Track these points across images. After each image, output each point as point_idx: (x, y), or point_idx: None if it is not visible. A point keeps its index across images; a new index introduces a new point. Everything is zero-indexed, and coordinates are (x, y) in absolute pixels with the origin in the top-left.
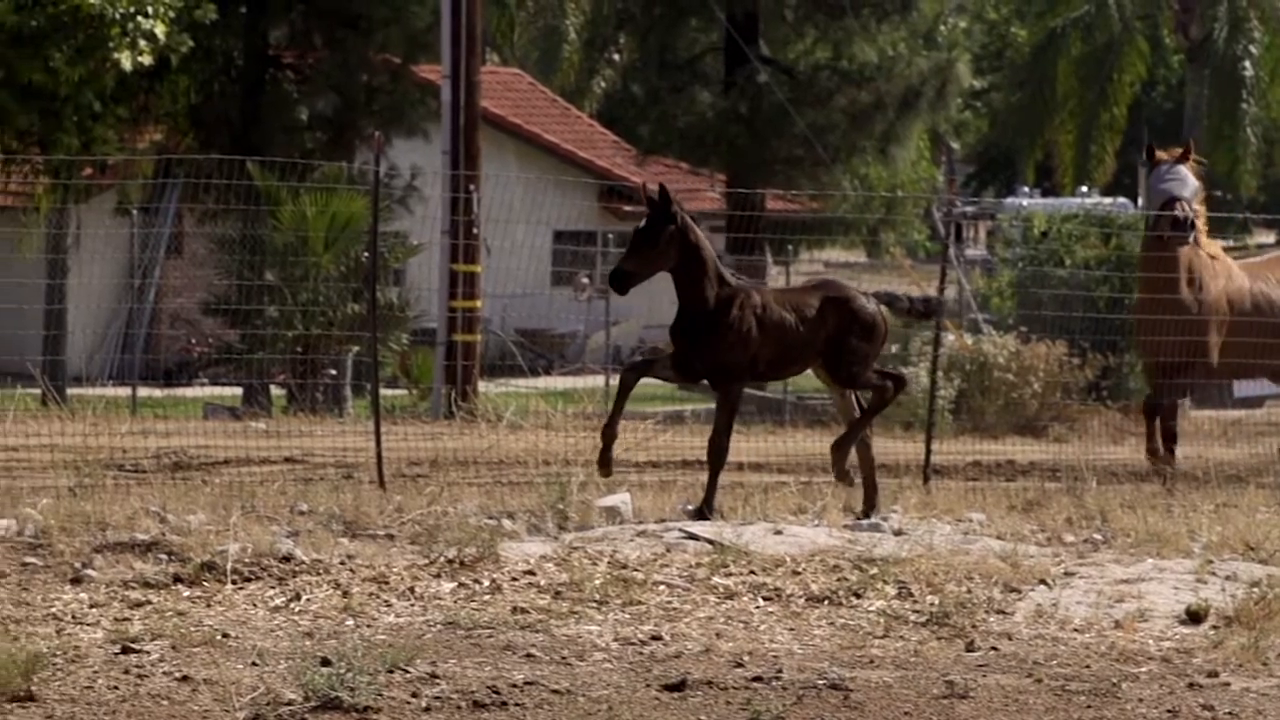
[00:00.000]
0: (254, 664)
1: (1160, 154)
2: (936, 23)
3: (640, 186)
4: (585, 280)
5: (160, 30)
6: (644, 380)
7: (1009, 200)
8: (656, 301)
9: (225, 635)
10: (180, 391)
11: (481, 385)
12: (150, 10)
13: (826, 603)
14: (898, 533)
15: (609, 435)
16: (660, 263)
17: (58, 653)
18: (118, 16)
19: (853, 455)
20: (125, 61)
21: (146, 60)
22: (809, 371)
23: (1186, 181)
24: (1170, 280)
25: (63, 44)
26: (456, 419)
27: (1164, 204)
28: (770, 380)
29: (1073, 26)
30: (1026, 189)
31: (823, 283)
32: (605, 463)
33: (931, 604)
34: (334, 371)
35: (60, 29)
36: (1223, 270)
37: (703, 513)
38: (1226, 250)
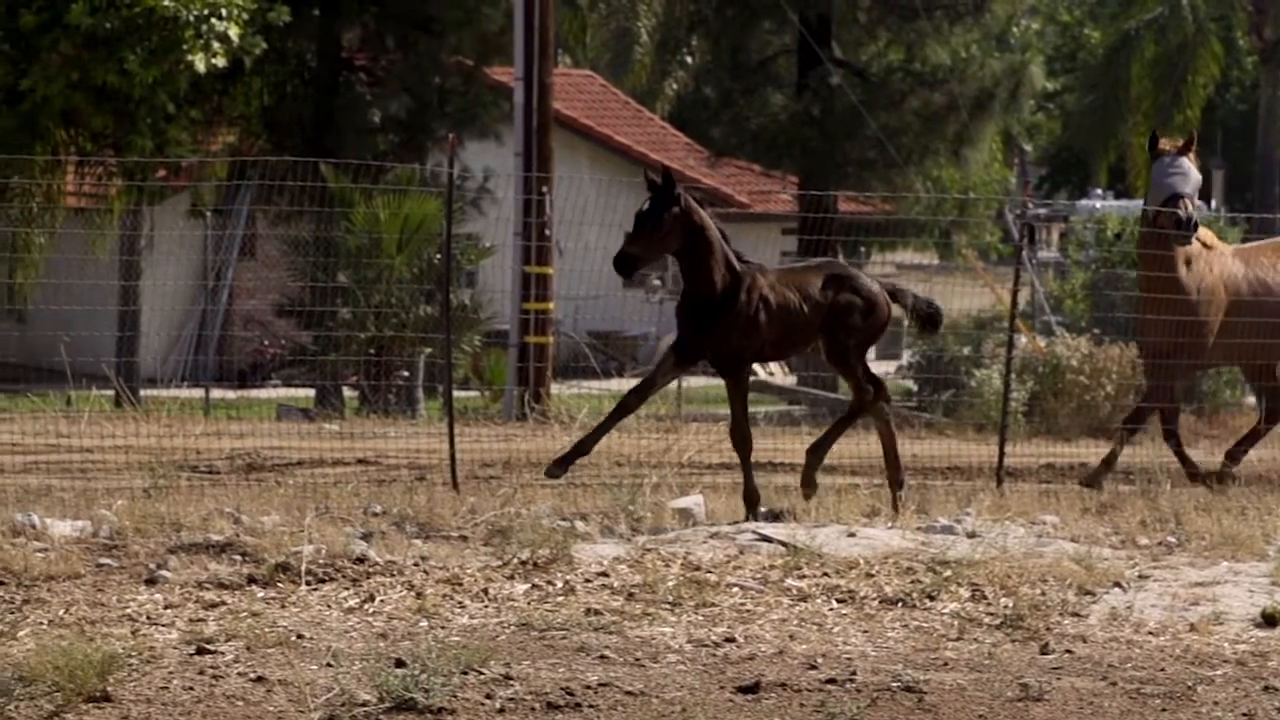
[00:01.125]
0: (328, 665)
1: (1164, 144)
2: (1009, 24)
3: (644, 170)
4: (657, 282)
5: (234, 32)
6: (714, 382)
7: (1082, 202)
8: None
9: (300, 636)
10: (253, 393)
11: (554, 387)
12: (224, 12)
13: (900, 605)
14: (971, 535)
15: (581, 451)
16: (665, 245)
17: (133, 653)
18: (192, 19)
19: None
20: (199, 63)
21: (220, 62)
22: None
23: (1189, 176)
24: (1169, 279)
25: (137, 46)
26: (529, 421)
27: (1166, 200)
28: (772, 360)
29: (1146, 28)
30: (1099, 191)
31: (826, 262)
32: (563, 464)
33: (1005, 606)
34: (406, 373)
35: (134, 31)
36: (1218, 258)
37: (753, 503)
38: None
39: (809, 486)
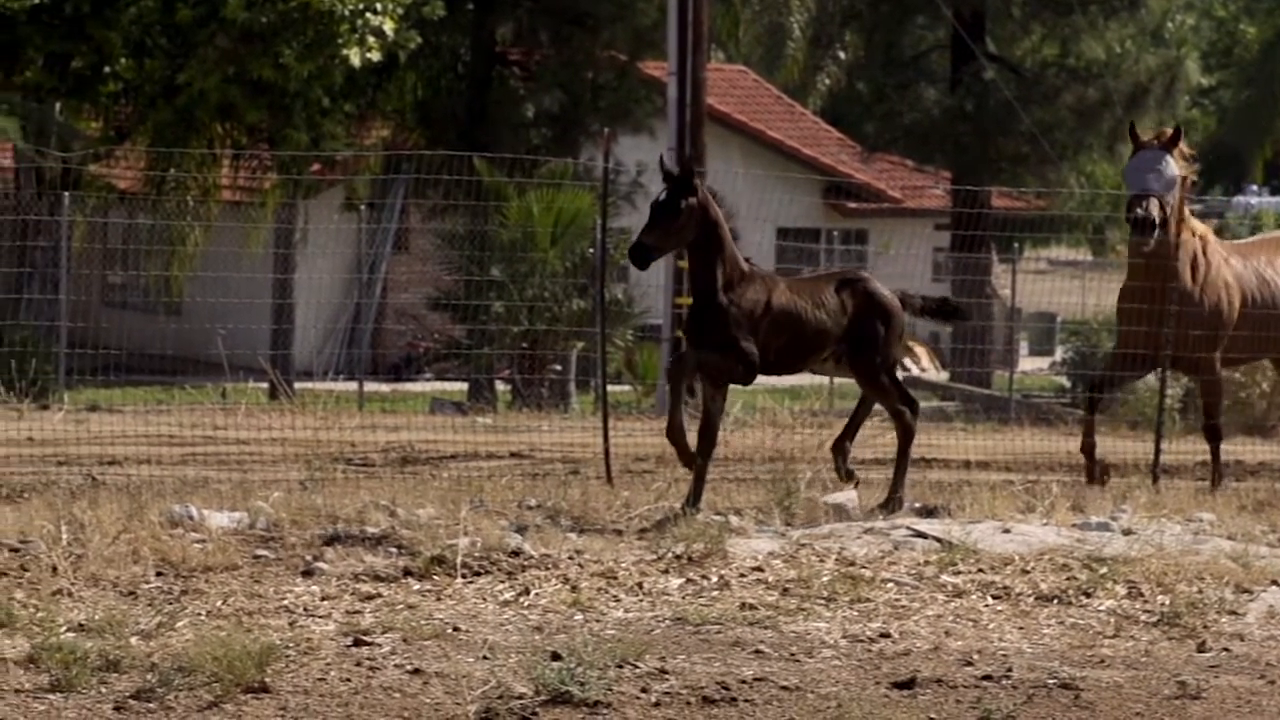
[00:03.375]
0: (484, 658)
1: (1142, 137)
2: (1164, 20)
3: (659, 159)
4: None
5: (389, 27)
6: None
7: (1237, 198)
8: None
9: (455, 629)
10: (405, 387)
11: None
12: (379, 7)
13: (1056, 602)
14: (1127, 532)
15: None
16: (681, 236)
17: (290, 645)
18: (347, 13)
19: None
20: (354, 58)
21: (375, 57)
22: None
23: (1162, 172)
24: (1154, 268)
25: (292, 40)
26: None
27: (1132, 197)
28: (783, 374)
29: None
30: (1255, 187)
31: (840, 271)
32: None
33: (1162, 604)
34: (559, 367)
35: (290, 25)
36: (1215, 255)
37: (694, 504)
38: None
39: (848, 478)
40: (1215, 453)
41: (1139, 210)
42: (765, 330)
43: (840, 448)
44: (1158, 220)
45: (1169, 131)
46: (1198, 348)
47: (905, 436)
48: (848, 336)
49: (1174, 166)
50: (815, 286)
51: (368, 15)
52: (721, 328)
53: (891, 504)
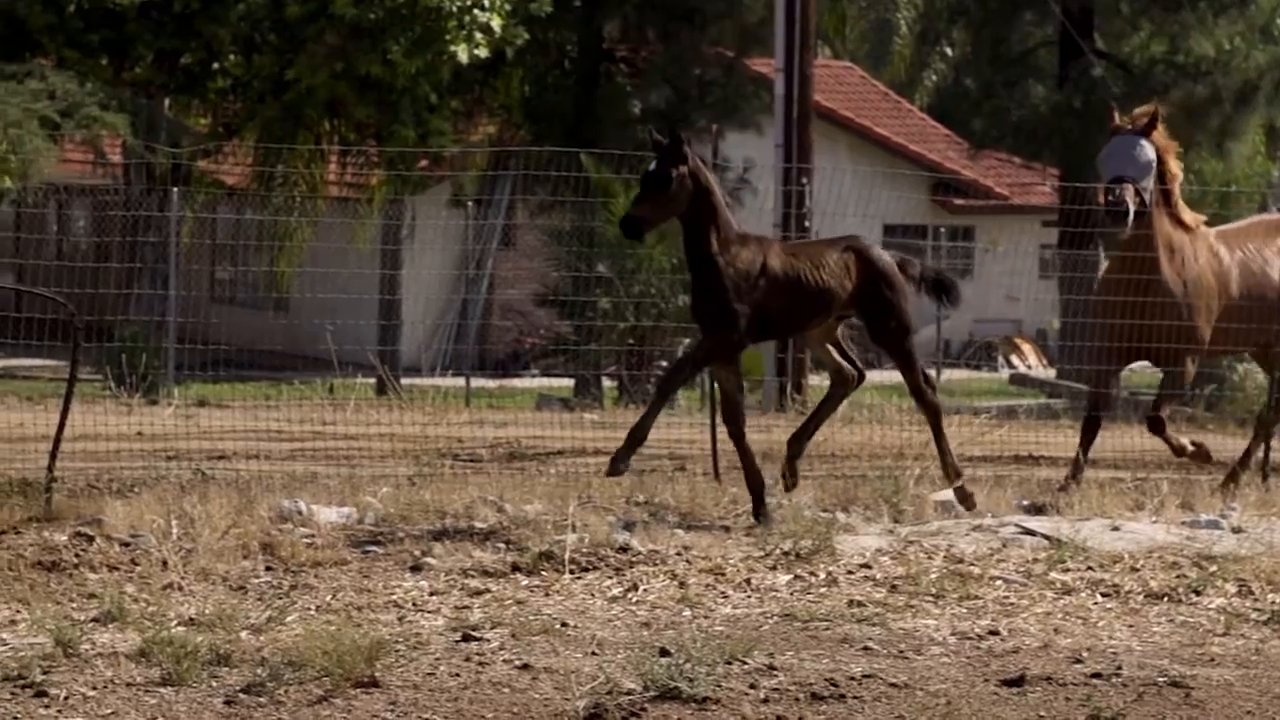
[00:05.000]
0: (592, 653)
1: (1118, 121)
2: (1274, 16)
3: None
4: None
5: (496, 23)
6: (974, 375)
7: None
8: (986, 297)
9: (564, 624)
10: (512, 383)
11: (812, 379)
12: (487, 3)
13: (1165, 599)
14: (1237, 530)
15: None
16: (674, 206)
17: (400, 639)
18: (455, 9)
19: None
20: (461, 54)
21: (482, 53)
22: (1138, 366)
23: (1136, 159)
24: (1147, 257)
25: (400, 37)
26: (789, 411)
27: (1107, 184)
28: (785, 337)
29: None
30: None
31: (840, 237)
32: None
33: (1272, 602)
34: (665, 363)
35: (398, 22)
36: (1202, 244)
37: (761, 505)
38: None
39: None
40: (1163, 438)
41: (1111, 198)
42: (763, 291)
43: (794, 449)
44: (1133, 208)
45: (1146, 116)
46: (1170, 339)
47: (935, 416)
48: (857, 304)
49: (1151, 151)
50: (813, 249)
51: (475, 12)
52: (718, 292)
53: (950, 476)
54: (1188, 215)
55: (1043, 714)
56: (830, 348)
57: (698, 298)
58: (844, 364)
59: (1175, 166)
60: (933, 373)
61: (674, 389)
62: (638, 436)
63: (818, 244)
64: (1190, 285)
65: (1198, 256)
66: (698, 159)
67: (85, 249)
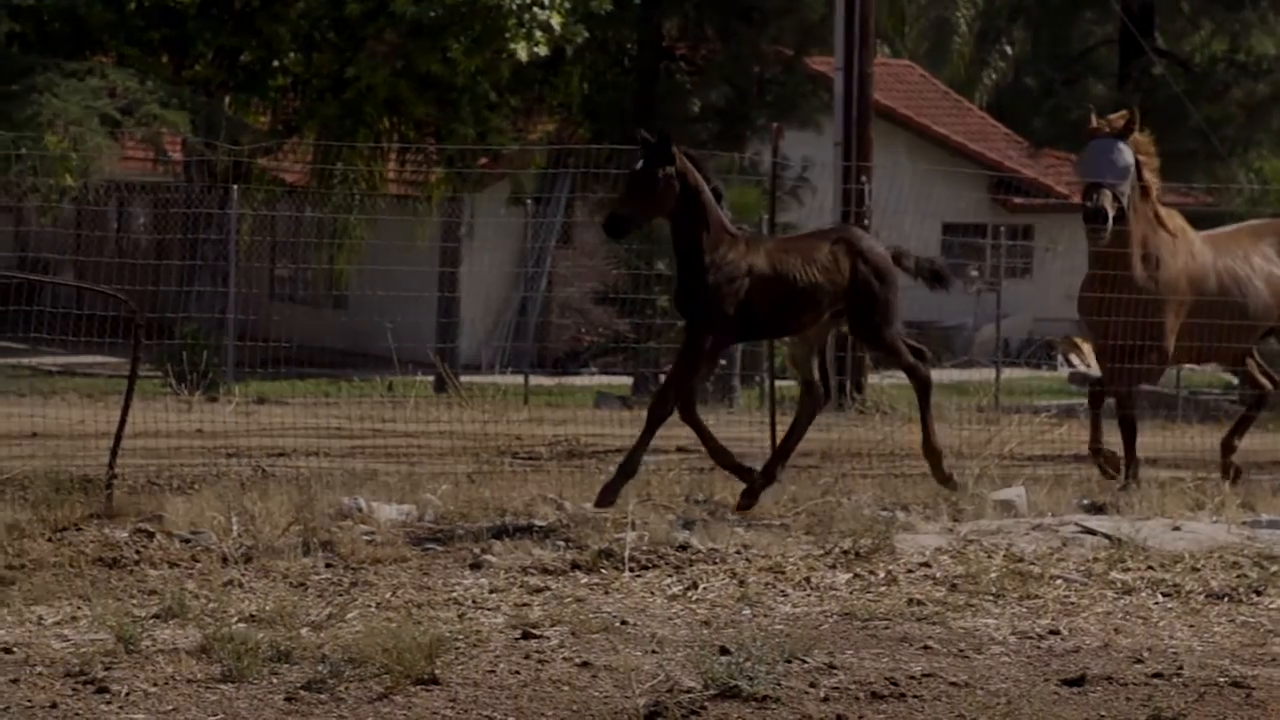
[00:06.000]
0: (653, 651)
1: (1096, 124)
2: None
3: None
4: (975, 273)
5: (556, 21)
6: (1034, 374)
7: None
8: (1045, 295)
9: (624, 622)
10: (570, 380)
11: (871, 378)
12: (546, 1)
13: (1226, 599)
14: None
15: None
16: (660, 205)
17: (459, 637)
18: (514, 7)
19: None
20: (521, 52)
21: (542, 51)
22: (1194, 367)
23: (1114, 163)
24: (1121, 256)
25: (460, 35)
26: (848, 411)
27: (1085, 188)
28: (776, 336)
29: None
30: None
31: (832, 229)
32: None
33: None
34: (723, 362)
35: (458, 20)
36: (1184, 247)
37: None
38: None
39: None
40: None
41: (1089, 203)
42: (751, 290)
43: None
44: (1110, 212)
45: (1123, 119)
46: (1137, 337)
47: (923, 389)
48: (846, 297)
49: (1128, 155)
50: (804, 244)
51: (535, 10)
52: (702, 291)
53: (932, 454)
54: (1172, 218)
55: (1103, 714)
56: (814, 358)
57: (681, 296)
58: (818, 381)
59: (1153, 169)
60: (991, 372)
61: (662, 419)
62: (628, 470)
63: (808, 238)
64: (1162, 286)
65: (1176, 258)
66: (686, 160)
67: (145, 246)
